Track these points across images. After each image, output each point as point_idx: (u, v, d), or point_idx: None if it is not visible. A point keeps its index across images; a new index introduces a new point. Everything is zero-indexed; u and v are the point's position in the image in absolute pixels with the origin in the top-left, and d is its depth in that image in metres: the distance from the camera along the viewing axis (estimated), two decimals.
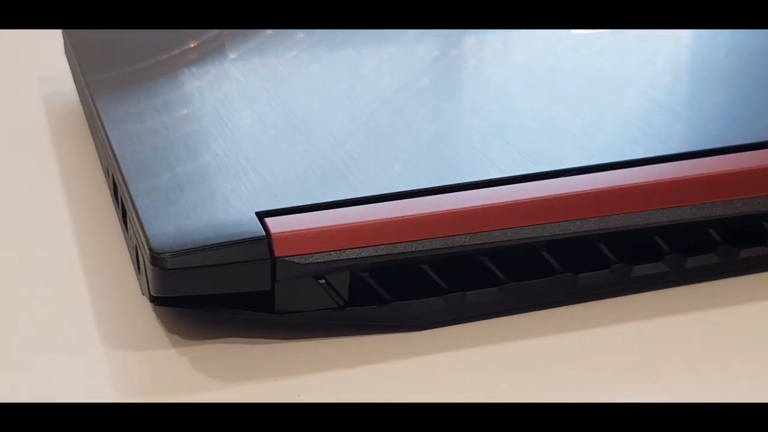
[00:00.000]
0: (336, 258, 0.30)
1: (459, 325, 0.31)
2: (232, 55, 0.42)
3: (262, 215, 0.30)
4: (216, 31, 0.45)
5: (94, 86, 0.40)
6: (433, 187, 0.31)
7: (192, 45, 0.43)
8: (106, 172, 0.37)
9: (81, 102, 0.44)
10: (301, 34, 0.44)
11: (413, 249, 0.30)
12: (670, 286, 0.33)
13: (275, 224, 0.30)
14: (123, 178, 0.33)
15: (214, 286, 0.29)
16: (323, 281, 0.30)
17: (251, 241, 0.29)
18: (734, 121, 0.35)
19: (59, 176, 0.41)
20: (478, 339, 0.31)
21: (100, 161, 0.40)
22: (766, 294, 0.32)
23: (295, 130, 0.35)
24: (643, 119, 0.35)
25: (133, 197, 0.32)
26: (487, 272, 0.31)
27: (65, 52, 0.46)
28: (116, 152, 0.35)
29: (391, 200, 0.31)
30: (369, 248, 0.30)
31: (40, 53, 0.51)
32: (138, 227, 0.30)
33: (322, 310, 0.30)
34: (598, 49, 0.42)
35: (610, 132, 0.35)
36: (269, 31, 0.44)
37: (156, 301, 0.30)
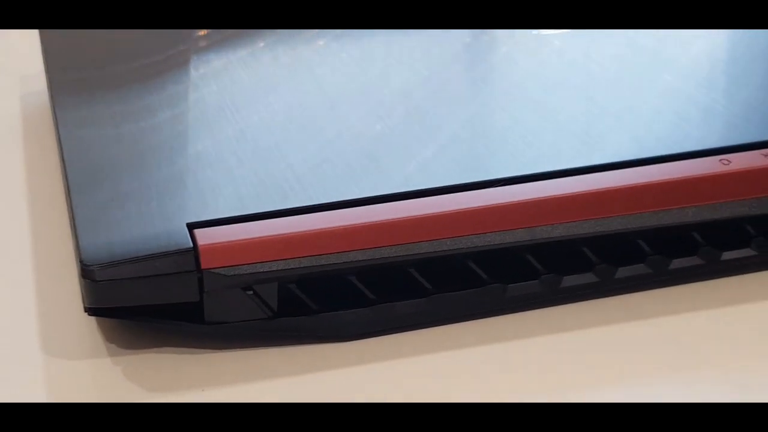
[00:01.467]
0: (263, 270, 0.30)
1: (388, 336, 0.32)
2: (197, 71, 0.43)
3: (192, 227, 0.31)
4: (192, 38, 0.45)
5: (56, 88, 0.41)
6: (362, 198, 0.31)
7: (160, 56, 0.44)
8: (63, 176, 0.38)
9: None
10: (261, 42, 0.45)
11: (340, 261, 0.31)
12: (601, 297, 0.33)
13: (203, 236, 0.30)
14: (68, 186, 0.34)
15: (144, 298, 0.30)
16: (251, 292, 0.31)
17: (178, 253, 0.30)
18: (669, 132, 0.35)
19: (24, 177, 0.42)
20: (406, 349, 0.32)
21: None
22: (693, 305, 0.33)
23: (242, 141, 0.36)
24: (583, 127, 0.36)
25: (74, 206, 0.32)
26: (415, 283, 0.32)
27: (41, 51, 0.47)
28: (66, 158, 0.35)
29: (320, 211, 0.31)
30: (296, 260, 0.30)
31: (26, 52, 0.52)
32: (74, 237, 0.31)
33: (251, 320, 0.31)
34: (547, 53, 0.42)
35: (548, 140, 0.35)
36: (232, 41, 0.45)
37: (89, 311, 0.30)
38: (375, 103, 0.39)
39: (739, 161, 0.33)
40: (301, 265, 0.30)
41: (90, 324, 0.33)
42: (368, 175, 0.33)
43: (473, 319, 0.32)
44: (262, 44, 0.45)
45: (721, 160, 0.33)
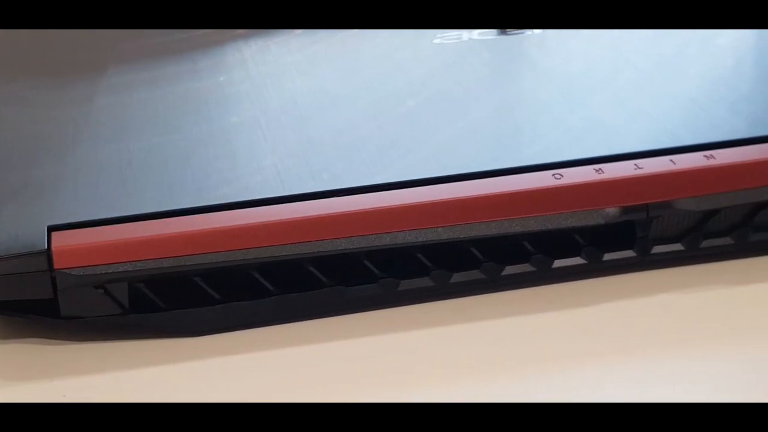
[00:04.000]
0: (112, 270, 0.33)
1: (235, 332, 0.34)
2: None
3: (52, 229, 0.33)
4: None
5: None
6: (206, 206, 0.34)
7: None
8: None
9: None
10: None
11: (184, 263, 0.33)
12: (437, 300, 0.35)
13: (59, 238, 0.33)
14: None
15: (3, 294, 0.33)
16: (102, 291, 0.33)
17: (33, 254, 0.32)
18: (508, 147, 0.37)
19: None
20: (251, 345, 0.34)
21: None
22: (522, 309, 0.35)
23: (112, 142, 0.38)
24: (428, 139, 0.38)
25: None
26: (258, 284, 0.34)
27: None
28: None
29: (171, 216, 0.34)
30: (143, 262, 0.33)
31: None
32: None
33: (105, 316, 0.34)
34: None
35: (405, 149, 0.38)
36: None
37: None
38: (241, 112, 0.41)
39: (571, 176, 0.35)
40: (149, 267, 0.33)
41: None
42: (215, 184, 0.36)
43: (315, 318, 0.35)
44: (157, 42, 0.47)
45: (554, 174, 0.35)
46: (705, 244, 0.36)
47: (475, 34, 0.47)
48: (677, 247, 0.36)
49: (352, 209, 0.34)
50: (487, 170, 0.35)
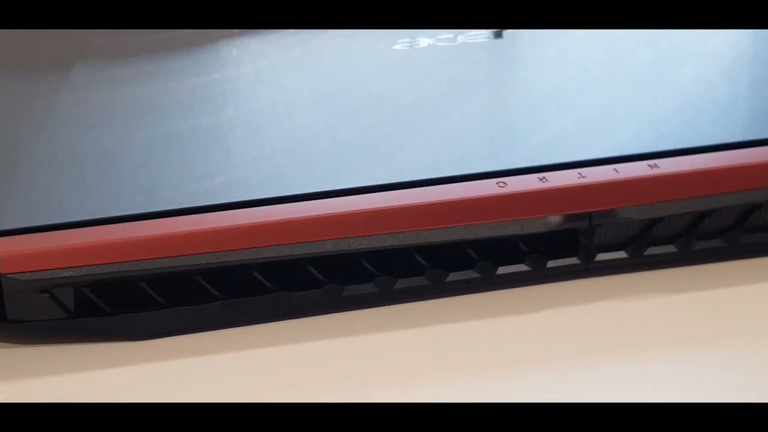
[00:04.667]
0: (58, 275, 0.33)
1: (181, 336, 0.35)
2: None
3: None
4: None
5: None
6: (150, 212, 0.34)
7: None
8: None
9: None
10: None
11: (129, 268, 0.33)
12: (381, 305, 0.36)
13: (5, 244, 0.33)
14: None
15: None
16: (48, 295, 0.34)
17: None
18: (451, 156, 0.38)
19: None
20: (197, 349, 0.35)
21: None
22: (467, 314, 0.35)
23: (70, 143, 0.39)
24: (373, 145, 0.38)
25: None
26: (203, 289, 0.34)
27: None
28: None
29: (116, 223, 0.34)
30: (88, 267, 0.33)
31: None
32: None
33: (51, 320, 0.34)
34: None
35: (353, 156, 0.38)
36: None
37: None
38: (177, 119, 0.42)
39: (515, 184, 0.35)
40: (94, 272, 0.33)
41: None
42: (162, 189, 0.36)
43: (261, 323, 0.35)
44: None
45: (498, 183, 0.35)
46: (649, 251, 0.36)
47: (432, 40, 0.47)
48: (621, 254, 0.36)
49: (295, 216, 0.34)
50: (431, 178, 0.35)
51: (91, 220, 0.34)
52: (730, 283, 0.36)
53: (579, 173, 0.35)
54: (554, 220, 0.35)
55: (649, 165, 0.36)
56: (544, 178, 0.35)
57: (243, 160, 0.38)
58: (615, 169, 0.36)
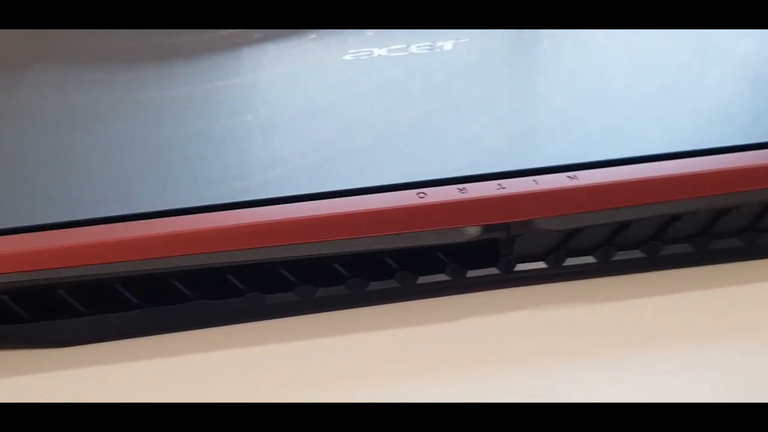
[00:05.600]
0: None
1: (102, 344, 0.35)
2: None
3: None
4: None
5: None
6: (74, 221, 0.35)
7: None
8: None
9: None
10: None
11: (46, 276, 0.34)
12: (303, 314, 0.36)
13: None
14: None
15: None
16: None
17: None
18: (360, 166, 0.38)
19: None
20: (118, 356, 0.35)
21: None
22: (387, 323, 0.36)
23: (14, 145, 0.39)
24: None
25: None
26: (124, 297, 0.35)
27: None
28: None
29: (40, 230, 0.34)
30: (5, 275, 0.34)
31: None
32: None
33: None
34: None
35: (276, 165, 0.38)
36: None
37: None
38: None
39: (434, 195, 0.36)
40: (13, 280, 0.34)
41: None
42: (88, 197, 0.36)
43: (183, 331, 0.36)
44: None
45: (418, 193, 0.36)
46: (569, 262, 0.37)
47: (385, 50, 0.48)
48: (541, 265, 0.37)
49: (212, 225, 0.35)
50: (353, 188, 0.36)
51: (8, 228, 0.34)
52: (649, 293, 0.37)
53: (499, 184, 0.36)
54: (472, 230, 0.36)
55: (568, 176, 0.36)
56: (464, 188, 0.36)
57: (159, 173, 0.38)
58: (534, 181, 0.36)
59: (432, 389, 0.33)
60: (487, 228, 0.36)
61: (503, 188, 0.36)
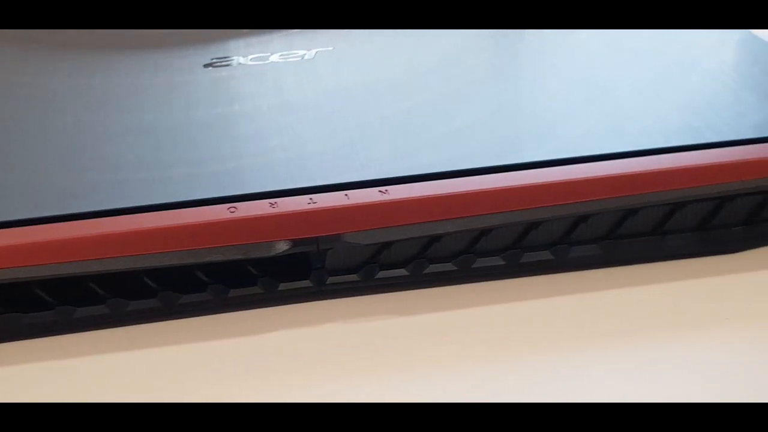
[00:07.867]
0: None
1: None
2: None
3: None
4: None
5: None
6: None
7: None
8: None
9: None
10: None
11: None
12: (114, 326, 0.37)
13: None
14: None
15: None
16: None
17: None
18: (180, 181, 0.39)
19: None
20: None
21: None
22: (202, 335, 0.36)
23: None
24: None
25: None
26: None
27: None
28: None
29: None
30: None
31: None
32: None
33: None
34: None
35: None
36: None
37: None
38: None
39: (245, 209, 0.36)
40: None
41: None
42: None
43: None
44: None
45: (229, 208, 0.36)
46: (381, 275, 0.38)
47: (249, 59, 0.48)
48: (353, 277, 0.38)
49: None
50: (162, 203, 0.36)
51: None
52: (461, 305, 0.38)
53: (310, 199, 0.36)
54: (280, 245, 0.36)
55: (380, 191, 0.37)
56: (275, 203, 0.36)
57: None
58: (346, 195, 0.37)
59: (241, 396, 0.34)
60: (296, 242, 0.36)
61: (314, 203, 0.36)
